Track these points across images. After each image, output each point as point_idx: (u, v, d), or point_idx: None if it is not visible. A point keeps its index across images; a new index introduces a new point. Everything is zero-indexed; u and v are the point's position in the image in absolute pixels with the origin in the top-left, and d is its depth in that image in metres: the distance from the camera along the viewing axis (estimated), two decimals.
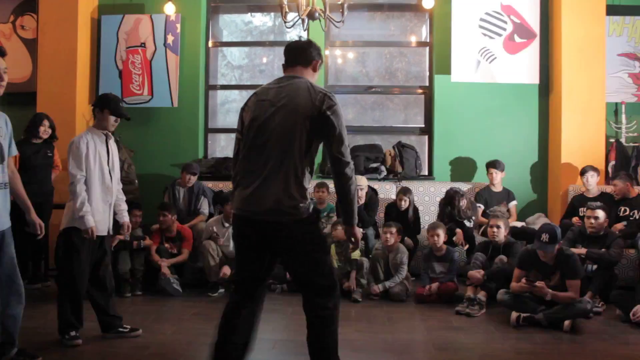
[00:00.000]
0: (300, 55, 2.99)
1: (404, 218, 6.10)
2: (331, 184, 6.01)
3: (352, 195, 2.84)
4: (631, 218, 5.85)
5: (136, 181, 6.82)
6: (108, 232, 4.16)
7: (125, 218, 4.30)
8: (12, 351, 3.49)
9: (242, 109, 3.02)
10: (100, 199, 4.06)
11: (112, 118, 4.09)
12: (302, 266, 2.88)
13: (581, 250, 5.17)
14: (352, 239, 2.96)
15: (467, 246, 5.96)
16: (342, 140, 2.79)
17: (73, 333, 4.03)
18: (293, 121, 2.76)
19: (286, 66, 3.01)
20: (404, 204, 6.20)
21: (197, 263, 5.85)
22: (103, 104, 4.10)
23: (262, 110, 2.86)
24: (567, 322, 4.41)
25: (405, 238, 5.92)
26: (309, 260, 2.85)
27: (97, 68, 7.34)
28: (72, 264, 4.00)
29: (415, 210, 6.33)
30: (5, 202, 3.30)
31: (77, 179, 3.95)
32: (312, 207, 2.86)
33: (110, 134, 4.17)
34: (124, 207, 4.29)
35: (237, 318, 2.88)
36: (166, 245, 5.85)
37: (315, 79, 3.05)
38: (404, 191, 6.26)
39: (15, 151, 3.53)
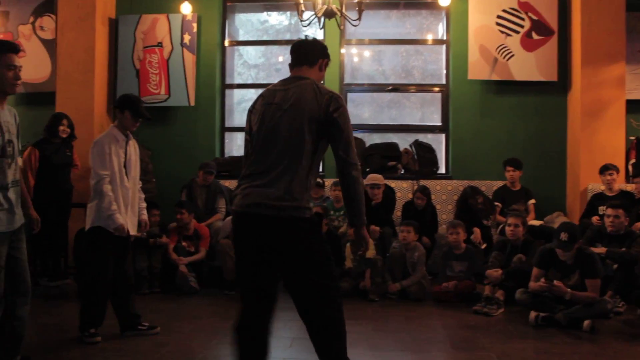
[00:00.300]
0: (306, 55, 2.97)
1: (421, 217, 6.08)
2: None
3: (359, 197, 2.79)
4: None
5: (154, 180, 6.86)
6: (127, 231, 4.19)
7: (143, 216, 4.33)
8: (16, 358, 3.37)
9: (250, 112, 2.99)
10: (121, 198, 4.09)
11: (133, 118, 4.13)
12: (300, 267, 2.73)
13: (601, 250, 5.11)
14: (361, 241, 2.87)
15: (484, 245, 5.93)
16: (349, 142, 2.76)
17: (93, 330, 4.08)
18: (300, 124, 2.73)
19: (292, 66, 2.99)
20: (422, 203, 6.18)
21: (214, 261, 5.88)
22: (124, 105, 4.14)
23: (270, 114, 2.82)
24: (586, 322, 4.36)
25: (423, 237, 5.89)
26: (308, 260, 2.72)
27: (115, 68, 7.40)
28: (97, 262, 4.05)
29: (433, 208, 6.31)
30: (19, 200, 3.29)
31: (103, 178, 3.99)
32: (313, 210, 2.82)
33: (130, 134, 4.21)
34: (143, 205, 4.34)
35: (249, 345, 2.78)
36: (184, 243, 5.89)
37: (322, 77, 3.03)
38: (422, 190, 6.24)
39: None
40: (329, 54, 3.04)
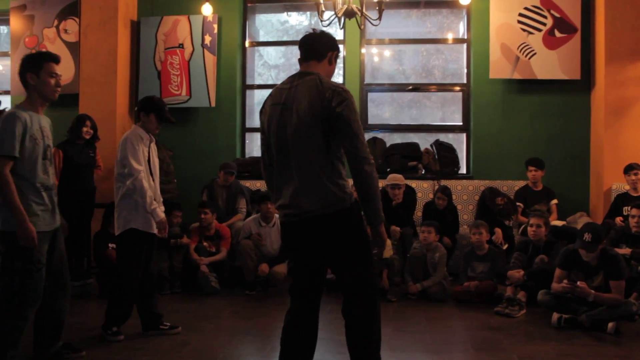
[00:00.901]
0: (313, 49, 2.92)
1: (442, 217, 6.05)
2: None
3: (373, 193, 2.72)
4: None
5: (175, 181, 6.92)
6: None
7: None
8: (58, 344, 3.67)
9: (260, 112, 3.00)
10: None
11: (157, 122, 4.18)
12: (341, 260, 2.82)
13: (626, 250, 5.03)
14: (378, 240, 2.84)
15: (506, 246, 5.87)
16: (356, 135, 2.68)
17: (115, 329, 4.14)
18: (306, 124, 2.71)
19: (301, 61, 2.95)
20: (443, 203, 6.15)
21: (235, 262, 5.91)
22: (150, 108, 4.17)
23: (277, 115, 2.83)
24: (610, 324, 4.30)
25: (444, 237, 5.86)
26: (347, 253, 2.79)
27: (137, 69, 7.48)
28: (130, 263, 4.10)
29: (454, 209, 6.27)
30: (57, 202, 3.55)
31: (140, 174, 4.01)
32: (352, 199, 2.80)
33: (153, 136, 4.25)
34: (162, 207, 4.36)
35: (298, 329, 2.89)
36: (204, 244, 5.93)
37: (333, 70, 2.99)
38: (443, 190, 6.21)
39: None
40: (341, 48, 3.04)
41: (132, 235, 4.08)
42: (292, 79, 2.90)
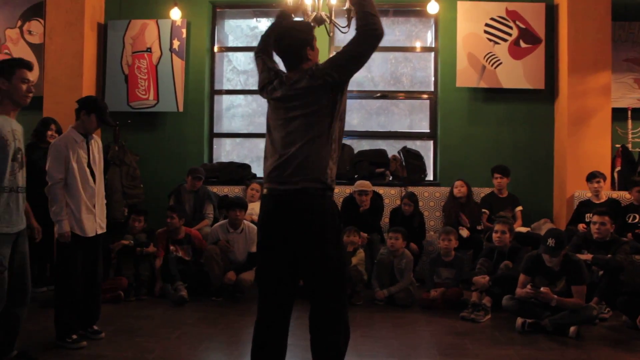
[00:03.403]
0: (296, 53, 2.84)
1: (409, 223, 6.09)
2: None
3: None
4: None
5: (141, 185, 6.83)
6: (96, 232, 4.17)
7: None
8: (12, 353, 3.57)
9: (268, 85, 2.93)
10: (85, 200, 4.07)
11: (97, 123, 4.15)
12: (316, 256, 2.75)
13: (587, 256, 5.14)
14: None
15: (467, 233, 6.08)
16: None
17: (75, 336, 4.04)
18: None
19: (288, 68, 2.89)
20: (409, 209, 6.20)
21: (202, 267, 5.83)
22: (91, 108, 4.12)
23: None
24: (572, 328, 4.39)
25: (411, 244, 5.90)
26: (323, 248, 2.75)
27: (103, 73, 7.38)
28: (68, 268, 4.04)
29: (421, 215, 6.33)
30: (24, 206, 3.53)
31: (57, 182, 3.98)
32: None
33: (93, 135, 4.20)
34: (104, 210, 4.30)
35: (268, 341, 2.82)
36: (171, 247, 5.83)
37: (317, 52, 2.96)
38: (409, 196, 6.26)
39: None
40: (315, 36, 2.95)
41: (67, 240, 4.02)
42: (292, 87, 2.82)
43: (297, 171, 2.70)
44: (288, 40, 2.85)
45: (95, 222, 4.15)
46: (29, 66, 3.50)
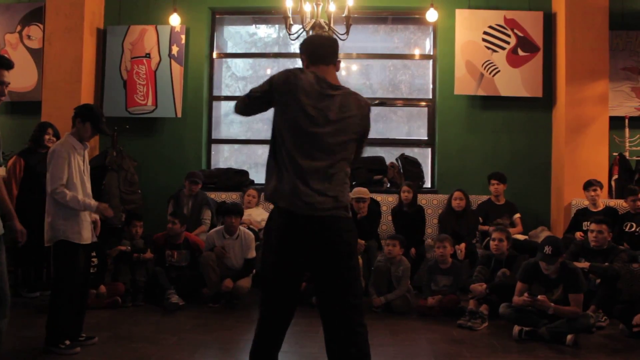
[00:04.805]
0: (333, 52, 2.98)
1: (408, 219, 6.14)
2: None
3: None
4: (637, 234, 5.81)
5: (139, 191, 6.82)
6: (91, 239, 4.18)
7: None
8: None
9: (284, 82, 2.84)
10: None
11: (92, 131, 4.14)
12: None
13: (584, 264, 5.14)
14: None
15: (467, 259, 5.97)
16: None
17: (68, 342, 4.02)
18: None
19: (314, 63, 2.94)
20: (408, 196, 6.35)
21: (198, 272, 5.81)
22: (86, 116, 4.11)
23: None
24: (569, 337, 4.38)
25: (411, 249, 5.94)
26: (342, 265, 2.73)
27: (102, 78, 7.38)
28: (71, 274, 4.03)
29: (421, 210, 6.49)
30: None
31: (60, 185, 3.97)
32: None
33: (86, 144, 4.20)
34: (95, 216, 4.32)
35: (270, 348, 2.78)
36: (168, 252, 5.81)
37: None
38: (408, 183, 6.42)
39: None
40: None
41: (64, 247, 4.02)
42: (321, 85, 2.86)
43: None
44: (332, 43, 3.00)
45: (90, 230, 4.16)
46: (7, 65, 3.19)
